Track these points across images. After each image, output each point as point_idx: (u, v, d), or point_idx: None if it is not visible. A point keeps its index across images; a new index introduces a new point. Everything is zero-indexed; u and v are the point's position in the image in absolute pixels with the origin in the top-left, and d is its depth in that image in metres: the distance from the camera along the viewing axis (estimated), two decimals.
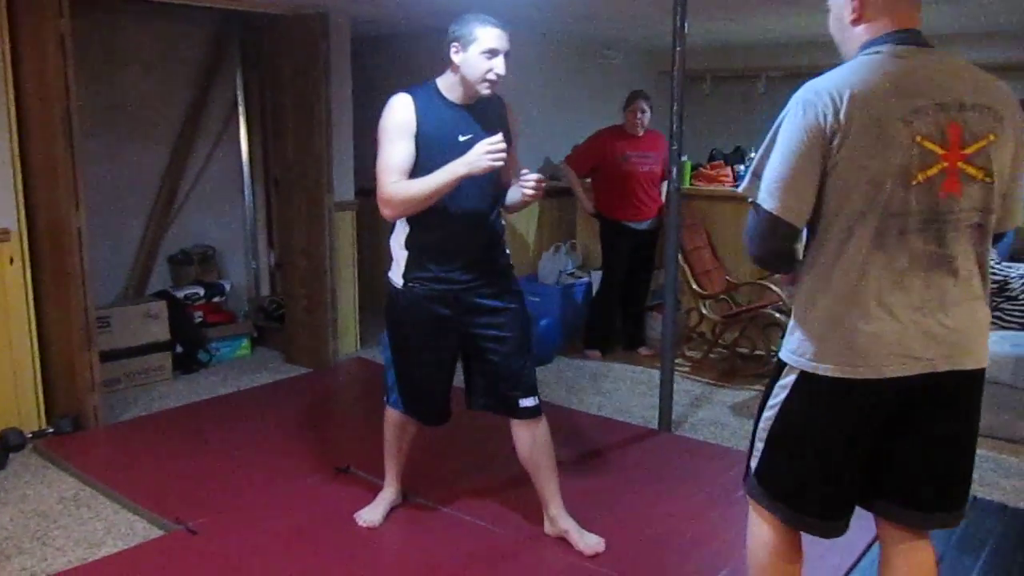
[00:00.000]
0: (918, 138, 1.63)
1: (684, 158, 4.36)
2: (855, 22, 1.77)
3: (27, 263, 3.83)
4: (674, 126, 3.67)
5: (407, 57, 5.80)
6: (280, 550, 2.85)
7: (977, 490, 3.34)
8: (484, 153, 2.40)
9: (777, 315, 4.83)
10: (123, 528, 3.05)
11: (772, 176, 1.70)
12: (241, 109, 5.59)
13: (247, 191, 5.71)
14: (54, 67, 3.62)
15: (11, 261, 3.77)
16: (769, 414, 1.86)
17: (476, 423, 3.29)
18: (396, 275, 2.72)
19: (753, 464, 1.91)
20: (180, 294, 5.12)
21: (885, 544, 1.92)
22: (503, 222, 2.78)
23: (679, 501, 3.21)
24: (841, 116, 1.63)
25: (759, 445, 1.89)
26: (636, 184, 5.09)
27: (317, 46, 4.66)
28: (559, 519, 2.86)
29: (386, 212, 2.55)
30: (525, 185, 2.52)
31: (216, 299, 5.32)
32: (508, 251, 2.80)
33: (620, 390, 4.71)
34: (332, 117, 4.79)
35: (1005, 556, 2.79)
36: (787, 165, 1.68)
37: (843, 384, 1.72)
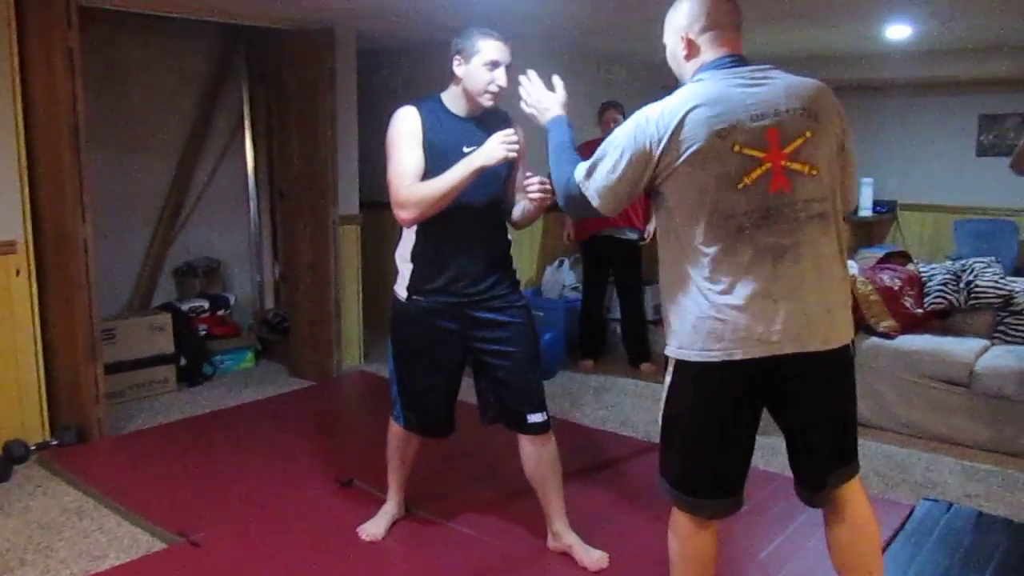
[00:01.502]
0: (736, 147, 1.85)
1: None
2: (687, 58, 2.04)
3: (33, 274, 3.84)
4: None
5: (412, 71, 5.82)
6: (283, 563, 2.84)
7: (982, 505, 3.33)
8: (500, 143, 2.42)
9: None
10: (126, 540, 3.04)
11: (603, 178, 1.97)
12: (247, 122, 5.62)
13: (252, 204, 5.73)
14: (62, 80, 3.65)
15: (17, 272, 3.78)
16: (661, 407, 2.07)
17: (481, 436, 3.28)
18: (401, 288, 2.72)
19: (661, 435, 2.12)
20: (185, 306, 5.13)
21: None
22: (509, 238, 2.79)
23: None
24: (664, 137, 1.87)
25: (660, 437, 2.11)
26: None
27: (323, 60, 4.69)
28: (563, 534, 2.85)
29: (403, 215, 2.54)
30: (530, 189, 2.52)
31: (221, 312, 5.33)
32: (514, 266, 2.80)
33: (624, 404, 4.70)
34: (337, 131, 4.81)
35: (1010, 571, 2.77)
36: (618, 172, 1.94)
37: (704, 368, 1.92)
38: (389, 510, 3.06)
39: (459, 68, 2.58)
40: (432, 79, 5.62)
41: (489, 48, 2.54)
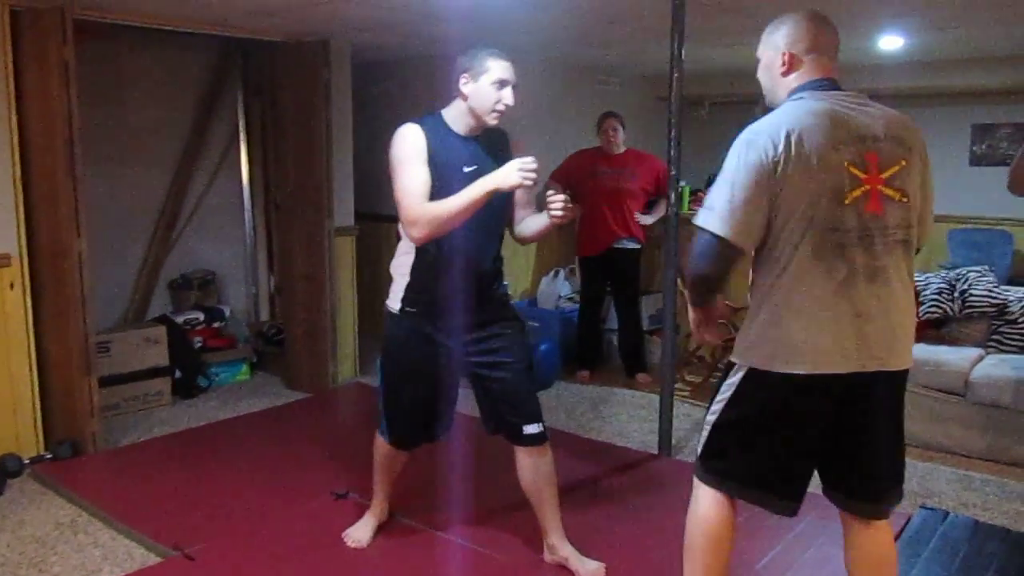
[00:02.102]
0: (846, 163, 1.94)
1: (683, 183, 4.39)
2: (785, 74, 2.12)
3: (27, 288, 3.84)
4: (672, 151, 3.70)
5: (407, 84, 5.84)
6: None
7: (979, 514, 3.33)
8: (517, 170, 2.42)
9: None
10: (120, 554, 3.03)
11: (724, 207, 1.97)
12: (242, 135, 5.63)
13: (247, 216, 5.73)
14: (57, 93, 3.65)
15: (11, 286, 3.78)
16: (717, 407, 2.17)
17: (476, 446, 3.28)
18: (394, 300, 2.72)
19: (702, 448, 2.24)
20: (180, 319, 5.12)
21: (847, 527, 2.20)
22: (502, 254, 2.80)
23: (679, 526, 3.19)
24: (779, 150, 1.92)
25: (708, 432, 2.21)
26: (602, 199, 5.17)
27: (318, 73, 4.70)
28: (559, 547, 2.84)
29: (414, 233, 2.53)
30: (553, 207, 2.52)
31: (216, 324, 5.32)
32: (506, 283, 2.81)
33: (620, 414, 4.70)
34: (332, 143, 4.82)
35: None
36: (737, 197, 1.95)
37: (785, 378, 2.00)
38: (374, 516, 3.08)
39: (466, 86, 2.59)
40: (427, 92, 5.69)
41: (498, 68, 2.56)
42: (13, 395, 3.83)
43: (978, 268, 4.59)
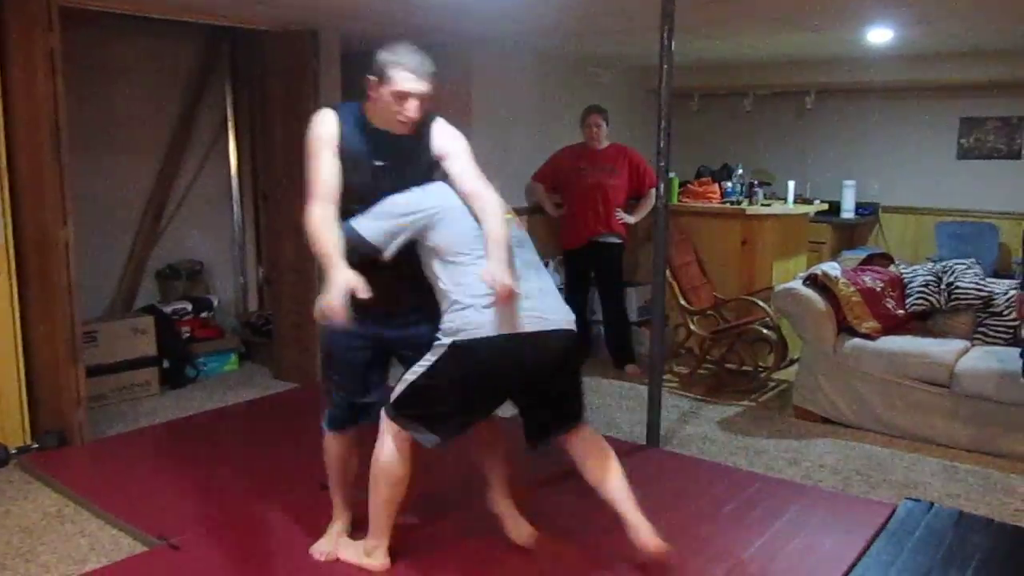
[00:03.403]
0: None
1: (672, 175, 4.40)
2: None
3: (14, 277, 3.81)
4: (661, 143, 3.70)
5: None
6: (262, 566, 2.84)
7: (963, 504, 3.36)
8: (324, 306, 2.37)
9: (764, 331, 4.85)
10: (107, 544, 3.03)
11: None
12: (230, 124, 5.60)
13: (236, 206, 5.71)
14: (43, 81, 3.62)
15: None
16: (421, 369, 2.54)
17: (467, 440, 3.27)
18: None
19: (401, 388, 2.56)
20: (168, 309, 5.10)
21: (569, 445, 2.76)
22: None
23: (668, 516, 3.20)
24: None
25: (407, 387, 2.55)
26: (584, 195, 5.23)
27: (307, 63, 4.68)
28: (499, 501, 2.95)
29: (304, 224, 2.51)
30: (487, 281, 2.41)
31: (204, 314, 5.30)
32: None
33: (608, 405, 4.71)
34: None
35: (992, 570, 2.80)
36: None
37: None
38: (338, 528, 2.94)
39: (372, 90, 2.56)
40: None
41: (400, 80, 2.50)
42: None
43: (964, 261, 4.61)
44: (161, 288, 5.36)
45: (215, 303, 5.41)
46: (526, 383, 2.64)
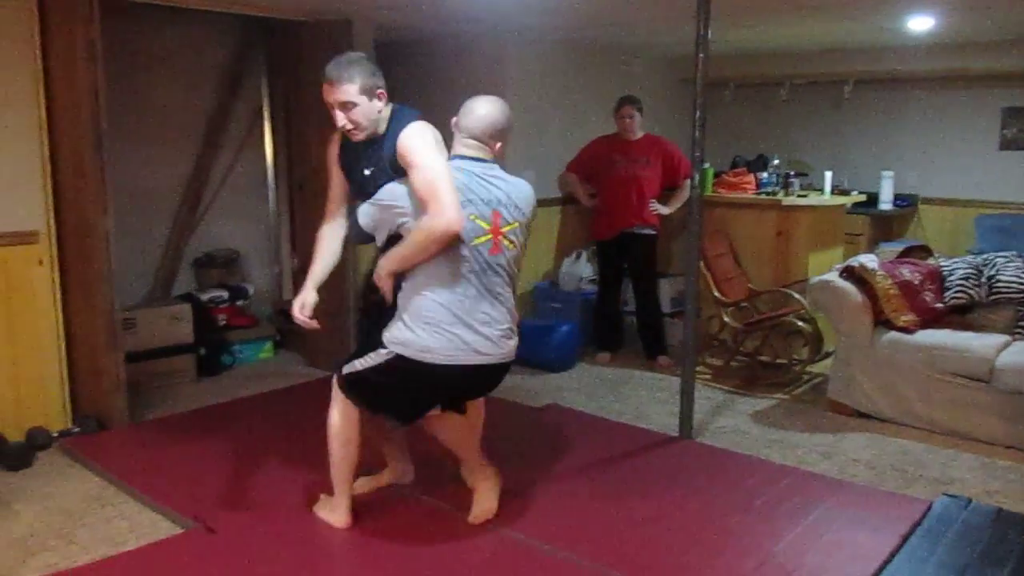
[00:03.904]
0: (471, 216, 2.66)
1: (706, 165, 4.36)
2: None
3: (55, 264, 3.89)
4: (696, 133, 3.67)
5: (429, 63, 5.83)
6: (296, 549, 2.87)
7: (1001, 501, 3.31)
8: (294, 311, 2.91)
9: (799, 323, 4.80)
10: (146, 526, 3.08)
11: None
12: (266, 114, 5.65)
13: (271, 196, 5.76)
14: (83, 72, 3.68)
15: (40, 263, 3.83)
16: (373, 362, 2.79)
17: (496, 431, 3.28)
18: None
19: (351, 370, 2.82)
20: (204, 297, 5.17)
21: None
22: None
23: (698, 507, 3.20)
24: None
25: (355, 374, 2.81)
26: (618, 187, 5.21)
27: (340, 52, 4.67)
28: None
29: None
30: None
31: (240, 302, 5.37)
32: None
33: (640, 396, 4.70)
34: None
35: None
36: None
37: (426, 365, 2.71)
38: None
39: None
40: (449, 70, 5.67)
41: (324, 91, 2.67)
42: (41, 370, 3.90)
43: (1006, 253, 4.52)
44: (198, 276, 5.43)
45: (250, 291, 5.47)
46: (458, 395, 2.98)
